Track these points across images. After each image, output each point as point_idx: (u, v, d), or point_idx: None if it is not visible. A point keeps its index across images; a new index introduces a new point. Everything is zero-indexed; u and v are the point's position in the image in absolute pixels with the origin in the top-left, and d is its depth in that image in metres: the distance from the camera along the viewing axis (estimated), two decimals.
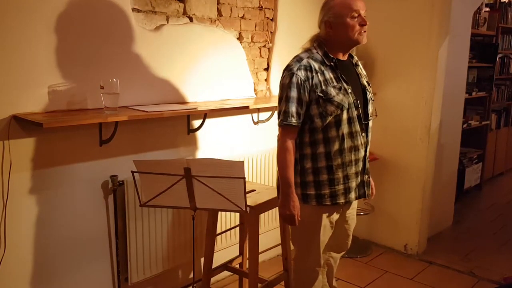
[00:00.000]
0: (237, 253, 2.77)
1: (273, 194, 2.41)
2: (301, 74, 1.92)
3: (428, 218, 3.58)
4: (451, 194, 4.12)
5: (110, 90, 2.14)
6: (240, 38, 2.93)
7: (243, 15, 2.93)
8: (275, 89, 3.10)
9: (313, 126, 1.96)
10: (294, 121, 1.92)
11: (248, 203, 2.19)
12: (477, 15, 4.66)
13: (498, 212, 4.55)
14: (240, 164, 1.92)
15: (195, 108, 2.47)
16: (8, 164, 2.03)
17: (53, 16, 2.08)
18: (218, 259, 2.67)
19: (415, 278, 3.18)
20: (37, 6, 2.03)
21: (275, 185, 3.04)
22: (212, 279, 2.72)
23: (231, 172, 1.92)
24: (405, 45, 3.38)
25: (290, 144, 1.95)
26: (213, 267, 2.58)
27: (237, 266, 2.73)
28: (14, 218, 2.08)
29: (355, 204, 2.22)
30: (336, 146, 1.97)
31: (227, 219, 2.87)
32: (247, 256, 2.54)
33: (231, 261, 2.71)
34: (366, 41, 2.01)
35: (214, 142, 2.86)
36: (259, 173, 3.06)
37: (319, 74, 1.94)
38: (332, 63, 1.98)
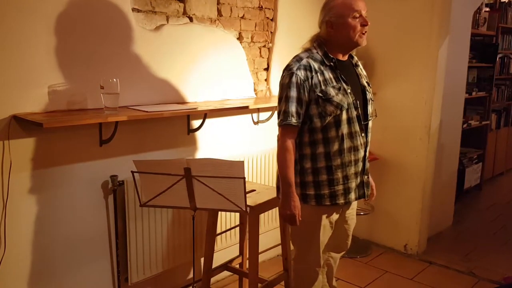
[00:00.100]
0: (237, 253, 2.77)
1: (273, 194, 2.41)
2: (301, 74, 1.92)
3: (428, 218, 3.58)
4: (451, 194, 4.12)
5: (110, 90, 2.14)
6: (240, 38, 2.93)
7: (243, 15, 2.93)
8: (275, 89, 3.10)
9: (313, 126, 1.96)
10: (294, 121, 1.92)
11: (248, 203, 2.19)
12: (477, 15, 4.66)
13: (498, 212, 4.55)
14: (240, 164, 1.92)
15: (195, 108, 2.47)
16: (8, 164, 2.03)
17: (53, 16, 2.09)
18: (218, 259, 2.67)
19: (415, 278, 3.18)
20: (37, 6, 2.03)
21: (275, 185, 3.04)
22: (212, 279, 2.72)
23: (231, 172, 1.92)
24: (405, 45, 3.38)
25: (290, 144, 1.95)
26: (213, 267, 2.58)
27: (237, 266, 2.73)
28: (14, 218, 2.08)
29: (354, 204, 2.22)
30: (335, 147, 1.97)
31: (227, 219, 2.87)
32: (247, 256, 2.54)
33: (231, 261, 2.71)
34: (366, 43, 2.01)
35: (214, 142, 2.86)
36: (259, 173, 3.06)
37: (318, 74, 1.94)
38: (331, 63, 1.98)
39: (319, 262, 2.14)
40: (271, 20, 3.12)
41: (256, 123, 3.10)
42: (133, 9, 2.38)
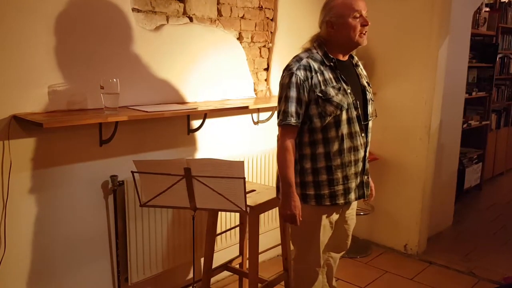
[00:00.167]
0: (237, 253, 2.77)
1: (273, 194, 2.41)
2: (301, 74, 1.92)
3: (428, 218, 3.58)
4: (451, 194, 4.12)
5: (110, 90, 2.14)
6: (240, 38, 2.93)
7: (243, 15, 2.93)
8: (275, 89, 3.10)
9: (313, 126, 1.96)
10: (294, 121, 1.92)
11: (248, 203, 2.19)
12: (477, 15, 4.66)
13: (498, 212, 4.55)
14: (240, 164, 1.92)
15: (195, 108, 2.47)
16: (8, 164, 2.03)
17: (53, 16, 2.09)
18: (218, 259, 2.67)
19: (415, 278, 3.18)
20: (37, 6, 2.03)
21: (275, 185, 3.04)
22: (212, 279, 2.72)
23: (231, 172, 1.92)
24: (405, 45, 3.38)
25: (290, 143, 1.95)
26: (213, 267, 2.58)
27: (237, 266, 2.73)
28: (14, 218, 2.08)
29: (354, 204, 2.22)
30: (335, 147, 1.97)
31: (227, 219, 2.87)
32: (247, 256, 2.54)
33: (231, 261, 2.71)
34: (367, 43, 2.01)
35: (214, 142, 2.86)
36: (259, 173, 3.06)
37: (318, 74, 1.94)
38: (331, 63, 1.98)
39: (319, 262, 2.14)
40: (271, 20, 3.12)
41: (256, 123, 3.10)
42: (133, 9, 2.38)
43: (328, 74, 1.96)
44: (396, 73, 3.45)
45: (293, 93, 1.91)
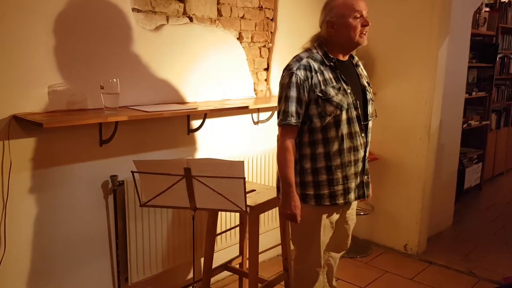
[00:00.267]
0: (237, 253, 2.77)
1: (273, 194, 2.41)
2: (301, 73, 1.92)
3: (428, 218, 3.58)
4: (451, 194, 4.11)
5: (110, 90, 2.14)
6: (240, 38, 2.93)
7: (243, 15, 2.93)
8: (275, 89, 3.10)
9: (312, 126, 1.96)
10: (294, 121, 1.92)
11: (248, 203, 2.19)
12: (477, 15, 4.66)
13: (498, 212, 4.55)
14: (240, 164, 1.92)
15: (195, 108, 2.47)
16: (8, 164, 2.03)
17: (53, 16, 2.09)
18: (218, 259, 2.67)
19: (415, 278, 3.18)
20: (37, 6, 2.03)
21: (275, 185, 3.04)
22: (212, 279, 2.72)
23: (231, 172, 1.92)
24: (405, 45, 3.38)
25: (290, 143, 1.95)
26: (213, 267, 2.58)
27: (237, 266, 2.73)
28: (14, 218, 2.08)
29: (354, 204, 2.22)
30: (335, 147, 1.97)
31: (227, 219, 2.87)
32: (247, 256, 2.54)
33: (231, 261, 2.71)
34: (367, 43, 2.01)
35: (214, 142, 2.86)
36: (259, 173, 3.06)
37: (318, 74, 1.94)
38: (331, 63, 1.98)
39: (319, 262, 2.14)
40: (271, 20, 3.12)
41: (256, 123, 3.10)
42: (133, 9, 2.38)
43: (328, 74, 1.96)
44: (396, 73, 3.45)
45: (293, 93, 1.91)
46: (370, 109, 2.09)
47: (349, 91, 1.98)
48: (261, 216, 2.74)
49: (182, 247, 2.69)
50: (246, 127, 3.05)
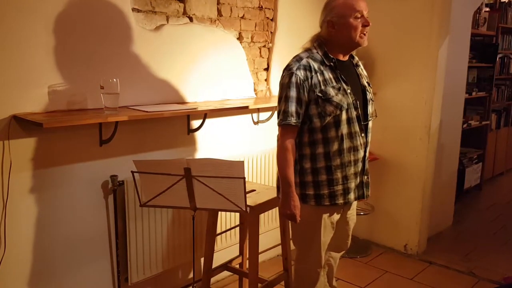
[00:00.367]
0: (237, 253, 2.77)
1: (273, 194, 2.41)
2: (301, 73, 1.92)
3: (428, 218, 3.58)
4: (451, 194, 4.11)
5: (110, 90, 2.14)
6: (240, 38, 2.93)
7: (243, 15, 2.93)
8: (275, 89, 3.10)
9: (312, 126, 1.96)
10: (294, 121, 1.92)
11: (248, 203, 2.19)
12: (477, 15, 4.66)
13: (498, 212, 4.55)
14: (240, 164, 1.92)
15: (195, 108, 2.47)
16: (8, 164, 2.03)
17: (53, 16, 2.09)
18: (218, 259, 2.67)
19: (415, 278, 3.18)
20: (37, 6, 2.03)
21: (275, 185, 3.04)
22: (212, 279, 2.72)
23: (231, 172, 1.92)
24: (405, 45, 3.38)
25: (290, 143, 1.95)
26: (213, 267, 2.58)
27: (237, 266, 2.73)
28: (14, 218, 2.08)
29: (354, 204, 2.22)
30: (335, 147, 1.97)
31: (227, 219, 2.87)
32: (247, 256, 2.54)
33: (231, 261, 2.71)
34: (367, 43, 2.01)
35: (214, 142, 2.86)
36: (259, 173, 3.06)
37: (318, 74, 1.94)
38: (331, 63, 1.98)
39: (320, 262, 2.14)
40: (271, 20, 3.12)
41: (256, 123, 3.10)
42: (133, 9, 2.38)
43: (328, 74, 1.96)
44: (396, 73, 3.45)
45: (293, 93, 1.91)
46: (370, 109, 2.09)
47: (349, 91, 1.98)
48: (261, 216, 2.74)
49: (182, 247, 2.69)
50: (246, 127, 3.05)
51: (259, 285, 2.44)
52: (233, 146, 2.97)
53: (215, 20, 2.77)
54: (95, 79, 2.22)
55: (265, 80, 3.17)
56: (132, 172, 1.98)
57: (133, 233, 2.43)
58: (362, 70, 2.15)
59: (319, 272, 2.16)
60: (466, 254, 3.56)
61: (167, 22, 2.54)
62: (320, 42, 2.02)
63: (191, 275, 2.83)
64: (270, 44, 3.14)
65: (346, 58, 2.08)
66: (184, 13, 2.61)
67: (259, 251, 2.45)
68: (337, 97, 1.93)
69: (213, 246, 2.54)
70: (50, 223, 2.20)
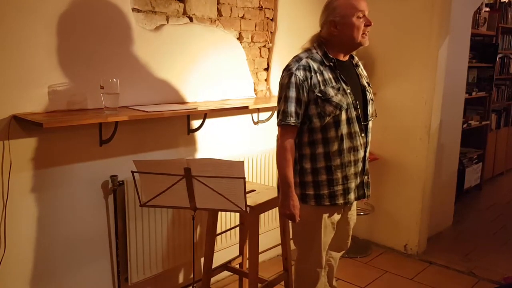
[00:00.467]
0: (237, 253, 2.77)
1: (273, 194, 2.41)
2: (300, 74, 1.92)
3: (428, 218, 3.58)
4: (451, 194, 4.11)
5: (110, 90, 2.14)
6: (240, 38, 2.93)
7: (243, 15, 2.93)
8: (275, 89, 3.10)
9: (312, 126, 1.96)
10: (293, 121, 1.92)
11: (248, 203, 2.19)
12: (477, 15, 4.65)
13: (498, 212, 4.55)
14: (240, 164, 1.92)
15: (195, 108, 2.47)
16: (8, 164, 2.03)
17: (53, 16, 2.09)
18: (218, 259, 2.67)
19: (415, 278, 3.18)
20: (37, 6, 2.03)
21: (275, 185, 3.04)
22: (212, 279, 2.72)
23: (231, 172, 1.92)
24: (405, 45, 3.38)
25: (289, 143, 1.95)
26: (213, 267, 2.58)
27: (237, 266, 2.73)
28: (14, 218, 2.08)
29: (355, 204, 2.22)
30: (335, 147, 1.97)
31: (227, 219, 2.87)
32: (247, 256, 2.54)
33: (231, 261, 2.71)
34: (368, 43, 2.01)
35: (214, 142, 2.86)
36: (259, 173, 3.06)
37: (318, 74, 1.94)
38: (331, 63, 1.98)
39: (320, 262, 2.14)
40: (271, 20, 3.12)
41: (256, 123, 3.10)
42: (133, 9, 2.38)
43: (327, 74, 1.96)
44: (396, 73, 3.45)
45: (292, 93, 1.91)
46: (370, 109, 2.09)
47: (348, 91, 1.98)
48: (261, 216, 2.74)
49: (182, 247, 2.69)
50: (246, 127, 3.05)
51: (259, 285, 2.44)
52: (233, 146, 2.97)
53: (215, 20, 2.77)
54: (95, 79, 2.22)
55: (265, 80, 3.17)
56: (132, 172, 1.98)
57: (133, 233, 2.43)
58: (362, 70, 2.15)
59: (319, 272, 2.16)
60: (466, 254, 3.56)
61: (167, 22, 2.54)
62: (319, 42, 2.02)
63: (191, 275, 2.83)
64: (270, 44, 3.14)
65: (347, 58, 2.08)
66: (184, 13, 2.61)
67: (259, 251, 2.45)
68: (337, 97, 1.93)
69: (213, 246, 2.54)
70: (50, 223, 2.20)
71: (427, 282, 3.11)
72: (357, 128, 2.00)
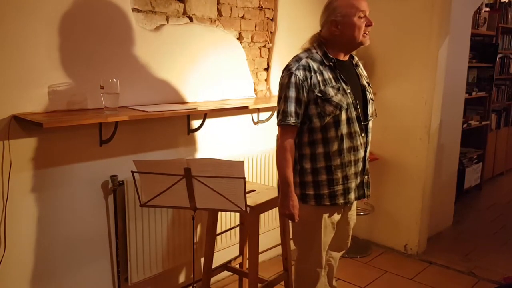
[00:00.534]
0: (237, 253, 2.77)
1: (273, 194, 2.41)
2: (300, 74, 1.92)
3: (428, 218, 3.58)
4: (451, 194, 4.11)
5: (110, 90, 2.14)
6: (240, 38, 2.93)
7: (243, 15, 2.93)
8: (275, 89, 3.09)
9: (312, 126, 1.96)
10: (293, 121, 1.92)
11: (248, 203, 2.19)
12: (477, 15, 4.66)
13: (498, 212, 4.55)
14: (240, 164, 1.92)
15: (195, 108, 2.47)
16: (8, 164, 2.03)
17: (53, 16, 2.09)
18: (218, 259, 2.67)
19: (415, 278, 3.18)
20: (37, 6, 2.03)
21: (275, 185, 3.04)
22: (212, 279, 2.72)
23: (231, 172, 1.92)
24: (405, 45, 3.38)
25: (289, 143, 1.95)
26: (213, 267, 2.58)
27: (237, 266, 2.73)
28: (14, 218, 2.08)
29: (355, 204, 2.22)
30: (335, 147, 1.97)
31: (227, 219, 2.87)
32: (247, 256, 2.54)
33: (231, 261, 2.71)
34: (369, 43, 2.01)
35: (214, 142, 2.86)
36: (259, 173, 3.06)
37: (317, 74, 1.94)
38: (331, 63, 1.98)
39: (320, 262, 2.14)
40: (271, 20, 3.12)
41: (256, 123, 3.10)
42: (133, 9, 2.38)
43: (327, 74, 1.96)
44: (396, 73, 3.45)
45: (292, 93, 1.91)
46: (370, 109, 2.09)
47: (348, 91, 1.98)
48: (261, 216, 2.74)
49: (182, 247, 2.69)
50: (246, 127, 3.05)
51: (259, 285, 2.44)
52: (233, 146, 2.97)
53: (215, 20, 2.77)
54: (95, 79, 2.22)
55: (265, 80, 3.17)
56: (132, 172, 1.98)
57: (133, 233, 2.43)
58: (362, 70, 2.15)
59: (319, 272, 2.16)
60: (466, 254, 3.56)
61: (167, 22, 2.54)
62: (319, 42, 2.02)
63: (191, 275, 2.83)
64: (270, 44, 3.14)
65: (347, 58, 2.08)
66: (184, 13, 2.61)
67: (259, 251, 2.45)
68: (337, 97, 1.93)
69: (213, 246, 2.54)
70: (50, 223, 2.20)
71: (427, 282, 3.11)
72: (357, 128, 2.00)
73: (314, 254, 2.11)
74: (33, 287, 2.18)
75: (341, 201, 2.03)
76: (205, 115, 2.65)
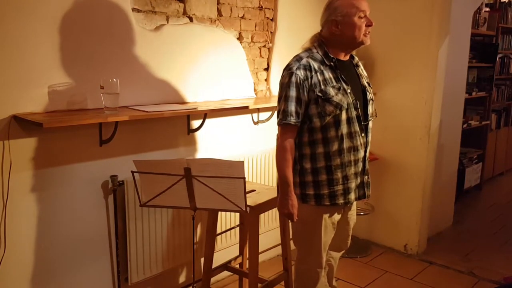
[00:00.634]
0: (237, 253, 2.77)
1: (273, 194, 2.41)
2: (300, 73, 1.92)
3: (428, 218, 3.58)
4: (451, 194, 4.11)
5: (110, 90, 2.14)
6: (240, 38, 2.93)
7: (243, 15, 2.93)
8: (275, 89, 3.10)
9: (312, 126, 1.96)
10: (293, 120, 1.92)
11: (248, 203, 2.19)
12: (477, 15, 4.66)
13: (498, 212, 4.55)
14: (240, 164, 1.92)
15: (195, 108, 2.47)
16: (8, 164, 2.03)
17: (53, 16, 2.09)
18: (218, 259, 2.67)
19: (415, 278, 3.18)
20: (37, 6, 2.03)
21: (275, 185, 3.04)
22: (212, 279, 2.72)
23: (231, 172, 1.92)
24: (405, 45, 3.38)
25: (289, 143, 1.95)
26: (213, 267, 2.58)
27: (237, 266, 2.73)
28: (14, 218, 2.08)
29: (355, 204, 2.22)
30: (335, 147, 1.97)
31: (227, 219, 2.87)
32: (247, 256, 2.54)
33: (231, 261, 2.71)
34: (369, 43, 2.01)
35: (214, 142, 2.86)
36: (259, 173, 3.06)
37: (318, 73, 1.94)
38: (331, 63, 1.98)
39: (320, 262, 2.14)
40: (271, 20, 3.12)
41: (256, 123, 3.10)
42: (133, 9, 2.38)
43: (328, 74, 1.96)
44: (396, 73, 3.45)
45: (292, 92, 1.91)
46: (370, 109, 2.09)
47: (349, 91, 1.98)
48: (261, 216, 2.74)
49: (182, 247, 2.69)
50: (246, 127, 3.05)
51: (259, 285, 2.44)
52: (233, 146, 2.97)
53: (215, 20, 2.77)
54: (95, 79, 2.22)
55: (265, 80, 3.17)
56: (132, 172, 1.98)
57: (133, 233, 2.43)
58: (362, 70, 2.15)
59: (319, 272, 2.16)
60: (466, 254, 3.56)
61: (167, 22, 2.54)
62: (320, 42, 2.02)
63: (191, 275, 2.83)
64: (270, 44, 3.14)
65: (347, 58, 2.08)
66: (184, 13, 2.61)
67: (259, 251, 2.45)
68: (337, 97, 1.93)
69: (213, 246, 2.54)
70: (50, 223, 2.20)
71: (427, 282, 3.11)
72: (357, 128, 2.00)
73: (314, 254, 2.11)
74: (33, 287, 2.18)
75: (341, 201, 2.03)
76: (205, 115, 2.65)
